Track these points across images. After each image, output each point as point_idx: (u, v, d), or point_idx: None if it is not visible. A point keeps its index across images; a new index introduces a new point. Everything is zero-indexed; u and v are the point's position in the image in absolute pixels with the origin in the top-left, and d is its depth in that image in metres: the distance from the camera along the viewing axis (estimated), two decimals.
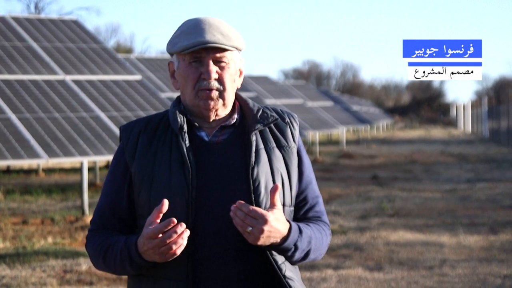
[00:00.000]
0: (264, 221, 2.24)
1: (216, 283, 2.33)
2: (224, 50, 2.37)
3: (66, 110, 12.69)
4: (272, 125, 2.46)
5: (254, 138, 2.40)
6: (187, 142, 2.36)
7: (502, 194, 14.49)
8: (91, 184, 15.90)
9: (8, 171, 20.60)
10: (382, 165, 22.66)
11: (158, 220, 2.23)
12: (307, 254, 2.41)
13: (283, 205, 2.39)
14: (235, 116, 2.44)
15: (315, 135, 28.26)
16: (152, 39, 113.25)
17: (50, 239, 9.81)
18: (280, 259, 2.36)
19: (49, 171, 20.48)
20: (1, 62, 13.62)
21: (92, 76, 14.18)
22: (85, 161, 11.69)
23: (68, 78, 13.83)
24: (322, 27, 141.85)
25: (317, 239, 2.43)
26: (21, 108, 12.39)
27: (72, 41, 15.16)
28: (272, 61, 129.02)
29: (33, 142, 11.40)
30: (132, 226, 2.43)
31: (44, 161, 11.20)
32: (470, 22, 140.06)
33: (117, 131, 12.42)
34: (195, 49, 2.34)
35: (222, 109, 2.41)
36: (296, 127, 2.50)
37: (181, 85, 2.41)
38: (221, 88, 2.37)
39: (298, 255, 2.38)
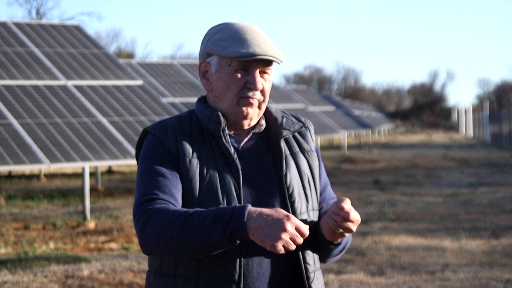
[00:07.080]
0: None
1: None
2: (271, 62, 2.40)
3: (68, 115, 12.70)
4: None
5: (283, 144, 2.44)
6: (230, 143, 2.38)
7: (504, 199, 14.47)
8: (93, 189, 15.91)
9: (9, 176, 20.62)
10: (383, 169, 22.65)
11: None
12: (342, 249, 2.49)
13: (312, 209, 2.43)
14: (263, 122, 2.47)
15: (316, 140, 28.28)
16: (154, 44, 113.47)
17: (51, 245, 9.81)
18: (311, 267, 2.39)
19: (50, 176, 20.48)
20: (3, 67, 13.63)
21: (94, 81, 14.19)
22: (87, 166, 11.69)
23: (70, 83, 13.84)
24: (323, 32, 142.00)
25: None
26: (22, 113, 12.40)
27: (74, 46, 15.17)
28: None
29: (34, 147, 11.41)
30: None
31: (45, 166, 11.20)
32: (472, 25, 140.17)
33: (118, 136, 12.43)
34: (250, 59, 2.34)
35: (255, 119, 2.43)
36: (313, 132, 2.57)
37: (220, 89, 2.39)
38: (262, 99, 2.40)
39: (337, 250, 2.46)
